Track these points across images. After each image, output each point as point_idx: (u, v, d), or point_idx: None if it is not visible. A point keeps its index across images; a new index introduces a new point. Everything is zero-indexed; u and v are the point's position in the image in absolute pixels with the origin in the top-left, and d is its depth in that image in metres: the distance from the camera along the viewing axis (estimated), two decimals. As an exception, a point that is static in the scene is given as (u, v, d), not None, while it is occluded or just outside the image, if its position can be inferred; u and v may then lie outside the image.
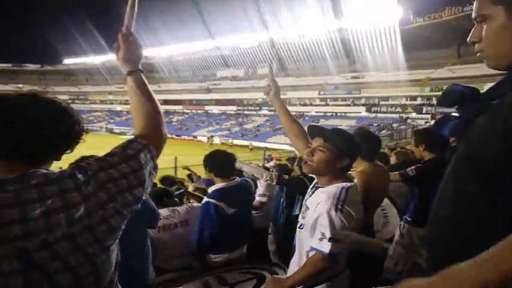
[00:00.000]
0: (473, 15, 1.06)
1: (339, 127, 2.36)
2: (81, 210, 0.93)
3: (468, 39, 1.08)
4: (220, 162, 3.08)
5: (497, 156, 0.91)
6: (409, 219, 3.62)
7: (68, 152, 1.08)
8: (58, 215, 0.90)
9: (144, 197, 1.10)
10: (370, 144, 2.80)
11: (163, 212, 3.30)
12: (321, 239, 1.80)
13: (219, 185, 3.01)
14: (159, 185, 6.55)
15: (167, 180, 6.33)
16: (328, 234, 1.78)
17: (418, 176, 3.36)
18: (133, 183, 1.05)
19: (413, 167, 3.51)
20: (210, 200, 2.90)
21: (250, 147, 37.34)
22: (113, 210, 1.00)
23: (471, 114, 1.04)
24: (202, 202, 2.96)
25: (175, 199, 3.84)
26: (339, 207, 1.81)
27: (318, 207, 1.88)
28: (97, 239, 0.95)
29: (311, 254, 1.88)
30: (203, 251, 2.92)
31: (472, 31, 1.07)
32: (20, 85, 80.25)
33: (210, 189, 3.03)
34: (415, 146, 3.68)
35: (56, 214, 0.90)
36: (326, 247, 1.78)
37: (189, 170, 8.05)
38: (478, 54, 1.07)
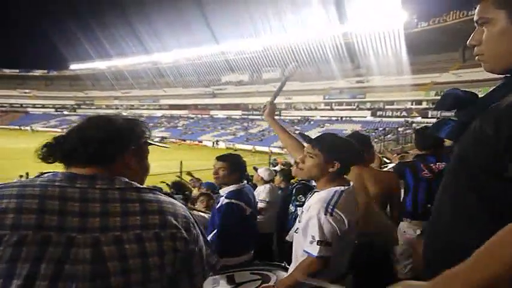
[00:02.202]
0: (475, 18, 1.07)
1: (343, 131, 2.38)
2: (156, 219, 1.01)
3: (468, 42, 1.09)
4: (244, 165, 3.20)
5: (488, 158, 0.93)
6: None
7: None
8: (135, 217, 0.99)
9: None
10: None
11: None
12: (311, 242, 1.82)
13: (232, 186, 3.03)
14: (166, 189, 6.63)
15: (177, 185, 6.47)
16: (317, 237, 1.79)
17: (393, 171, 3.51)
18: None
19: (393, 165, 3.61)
20: (232, 200, 2.92)
21: (252, 150, 37.23)
22: (182, 235, 1.05)
23: (467, 118, 1.06)
24: (223, 203, 2.95)
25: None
26: (329, 210, 1.82)
27: (309, 210, 1.91)
28: (161, 252, 0.99)
29: (303, 257, 1.88)
30: (224, 253, 2.91)
31: (472, 34, 1.09)
32: (27, 90, 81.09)
33: (225, 191, 3.03)
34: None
35: (133, 216, 0.99)
36: (315, 250, 1.79)
37: (191, 175, 8.21)
38: (477, 57, 1.09)
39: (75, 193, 0.96)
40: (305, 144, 2.26)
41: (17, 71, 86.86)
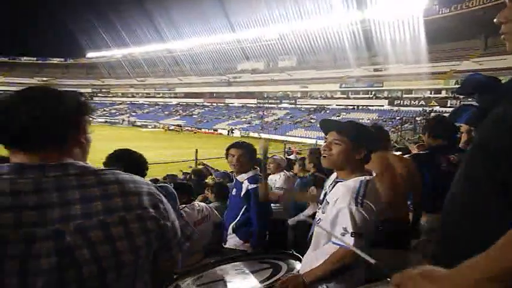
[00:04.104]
0: None
1: (359, 120, 2.36)
2: (118, 202, 0.97)
3: (496, 19, 1.03)
4: (256, 151, 3.24)
5: (509, 145, 0.90)
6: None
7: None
8: (96, 203, 0.94)
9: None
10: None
11: (189, 206, 3.39)
12: (343, 234, 1.79)
13: (251, 172, 3.08)
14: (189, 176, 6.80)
15: (198, 172, 6.57)
16: (350, 229, 1.77)
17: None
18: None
19: (410, 154, 3.55)
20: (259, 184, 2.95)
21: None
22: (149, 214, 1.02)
23: (488, 104, 1.01)
24: (248, 188, 2.99)
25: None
26: (359, 201, 1.80)
27: (337, 202, 1.88)
28: (129, 234, 0.96)
29: (330, 249, 1.86)
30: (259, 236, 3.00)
31: (501, 11, 1.02)
32: (44, 78, 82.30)
33: (245, 177, 3.06)
34: (422, 133, 3.74)
35: (94, 201, 0.94)
36: (349, 242, 1.76)
37: (203, 164, 8.30)
38: (502, 36, 1.02)
39: (27, 184, 0.90)
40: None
41: (34, 59, 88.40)
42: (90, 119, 1.10)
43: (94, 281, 0.90)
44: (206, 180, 6.60)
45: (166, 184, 3.46)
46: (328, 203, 1.96)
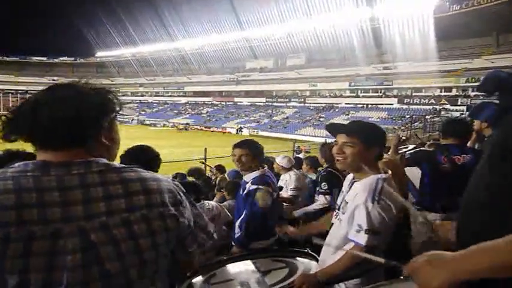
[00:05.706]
0: None
1: (369, 119, 2.32)
2: (141, 199, 0.99)
3: None
4: (262, 150, 3.22)
5: None
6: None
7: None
8: (119, 200, 0.96)
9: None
10: None
11: (198, 206, 3.36)
12: (358, 231, 1.78)
13: (256, 172, 3.05)
14: (187, 177, 6.71)
15: (195, 171, 6.47)
16: (364, 226, 1.76)
17: (409, 159, 3.31)
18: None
19: (410, 151, 3.54)
20: (260, 186, 2.95)
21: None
22: (171, 213, 1.04)
23: (509, 102, 1.01)
24: (250, 189, 2.97)
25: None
26: (376, 198, 1.79)
27: (355, 199, 1.88)
28: (151, 232, 0.98)
29: (347, 246, 1.85)
30: (256, 237, 2.97)
31: None
32: (55, 78, 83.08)
33: (250, 177, 3.04)
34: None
35: (116, 199, 0.96)
36: (363, 239, 1.76)
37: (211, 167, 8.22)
38: None
39: (51, 182, 0.91)
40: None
41: (45, 58, 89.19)
42: (117, 116, 1.10)
43: (119, 278, 0.92)
44: (218, 180, 6.54)
45: (193, 180, 3.45)
46: (347, 202, 1.96)
